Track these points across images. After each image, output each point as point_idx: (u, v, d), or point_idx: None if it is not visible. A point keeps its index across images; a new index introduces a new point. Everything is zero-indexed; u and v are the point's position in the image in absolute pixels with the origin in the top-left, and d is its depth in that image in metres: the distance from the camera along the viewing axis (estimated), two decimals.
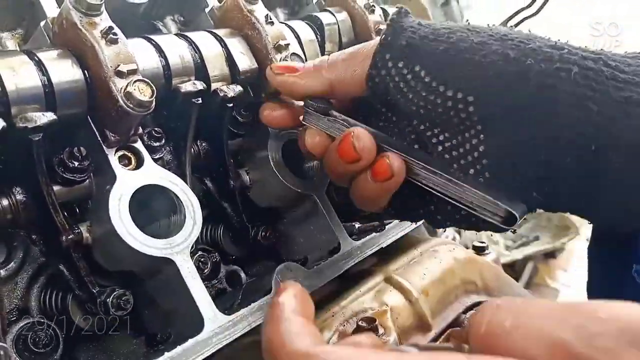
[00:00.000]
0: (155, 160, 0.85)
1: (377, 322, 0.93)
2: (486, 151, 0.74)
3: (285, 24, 1.08)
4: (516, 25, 1.40)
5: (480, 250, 1.33)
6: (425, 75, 0.76)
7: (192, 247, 0.81)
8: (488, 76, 0.72)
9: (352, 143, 0.79)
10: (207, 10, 1.02)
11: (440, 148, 0.79)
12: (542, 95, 0.69)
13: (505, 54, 0.72)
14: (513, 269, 3.09)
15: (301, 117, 0.87)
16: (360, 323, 0.93)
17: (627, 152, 0.67)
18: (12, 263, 0.81)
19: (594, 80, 0.68)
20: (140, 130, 0.83)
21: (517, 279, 2.91)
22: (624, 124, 0.66)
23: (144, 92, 0.76)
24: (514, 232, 0.95)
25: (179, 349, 0.74)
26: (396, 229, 1.09)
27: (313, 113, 0.85)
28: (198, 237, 0.82)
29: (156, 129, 0.88)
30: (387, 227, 1.08)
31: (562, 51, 0.71)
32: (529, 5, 1.39)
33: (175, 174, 0.85)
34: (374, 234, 1.05)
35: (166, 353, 0.73)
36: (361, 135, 0.79)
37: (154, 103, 0.78)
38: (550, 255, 3.20)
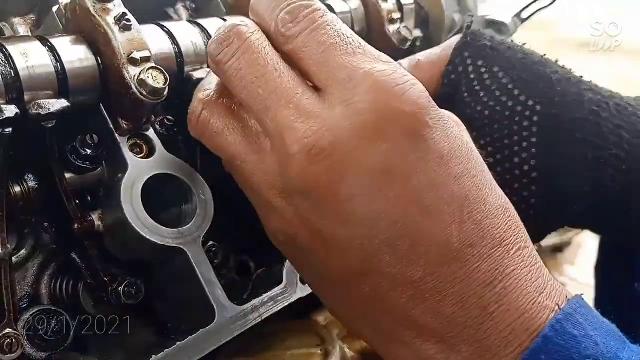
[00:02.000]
0: (167, 149, 0.85)
1: None
2: (537, 165, 0.79)
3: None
4: (530, 16, 1.39)
5: None
6: (503, 77, 0.80)
7: (203, 236, 0.81)
8: (556, 91, 0.79)
9: None
10: None
11: (491, 159, 0.82)
12: (591, 118, 0.78)
13: (565, 76, 0.81)
14: None
15: None
16: None
17: None
18: (23, 250, 0.81)
19: (623, 113, 0.79)
20: (153, 118, 0.83)
21: None
22: None
23: (157, 80, 0.76)
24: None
25: (190, 339, 0.74)
26: None
27: None
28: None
29: (168, 117, 0.87)
30: None
31: (594, 87, 0.83)
32: None
33: (187, 162, 0.85)
34: None
35: (178, 343, 0.73)
36: None
37: (167, 91, 0.77)
38: (557, 249, 3.19)
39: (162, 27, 0.87)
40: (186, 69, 0.86)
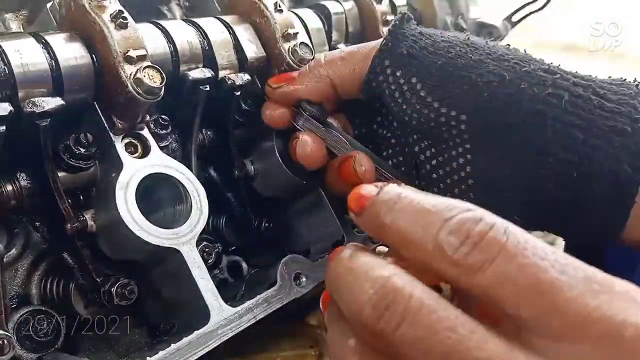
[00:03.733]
0: (162, 148, 0.84)
1: None
2: (473, 172, 0.75)
3: (293, 12, 1.06)
4: (521, 20, 1.40)
5: None
6: (422, 89, 0.76)
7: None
8: (482, 97, 0.72)
9: (354, 167, 0.82)
10: None
11: (428, 165, 0.81)
12: (531, 121, 0.70)
13: (501, 75, 0.72)
14: None
15: (293, 120, 0.88)
16: None
17: (607, 181, 0.68)
18: (13, 250, 0.79)
19: (583, 108, 0.68)
20: (148, 118, 0.82)
21: None
22: (606, 153, 0.67)
23: (153, 79, 0.75)
24: None
25: (184, 340, 0.73)
26: None
27: (308, 119, 0.86)
28: None
29: (162, 116, 0.86)
30: None
31: (555, 76, 0.71)
32: (534, 0, 1.38)
33: (181, 162, 0.84)
34: None
35: (172, 345, 0.72)
36: (363, 161, 0.82)
37: (163, 90, 0.76)
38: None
39: (157, 25, 0.86)
40: (181, 68, 0.86)
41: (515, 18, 1.40)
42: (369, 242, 1.01)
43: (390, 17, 1.16)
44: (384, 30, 1.14)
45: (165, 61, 0.83)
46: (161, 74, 0.75)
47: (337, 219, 0.98)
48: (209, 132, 0.96)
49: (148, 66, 0.75)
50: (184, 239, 0.78)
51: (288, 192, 1.01)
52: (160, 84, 0.75)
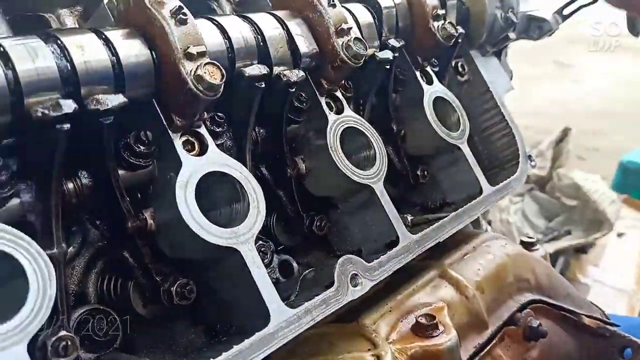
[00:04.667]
0: (217, 146, 0.82)
1: (437, 319, 0.90)
2: None
3: (344, 7, 1.04)
4: (572, 13, 1.36)
5: (529, 246, 1.30)
6: None
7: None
8: None
9: None
10: None
11: None
12: None
13: None
14: None
15: None
16: (419, 319, 0.90)
17: None
18: (70, 248, 0.79)
19: None
20: (205, 115, 0.80)
21: None
22: None
23: (214, 76, 0.73)
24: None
25: (246, 342, 0.71)
26: (452, 223, 1.06)
27: None
28: None
29: (218, 114, 0.85)
30: (441, 221, 1.05)
31: None
32: None
33: (235, 160, 0.82)
34: (429, 227, 1.02)
35: (235, 346, 0.70)
36: None
37: (222, 87, 0.75)
38: (581, 250, 3.14)
39: (212, 20, 0.84)
40: (237, 64, 0.84)
41: (566, 12, 1.36)
42: (423, 244, 0.99)
43: (441, 12, 1.13)
44: (435, 25, 1.12)
45: (222, 57, 0.82)
46: (221, 70, 0.74)
47: (391, 219, 0.96)
48: (261, 130, 0.94)
49: (208, 63, 0.73)
50: (243, 238, 0.76)
51: (339, 191, 0.99)
52: (221, 80, 0.73)
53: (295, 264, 1.01)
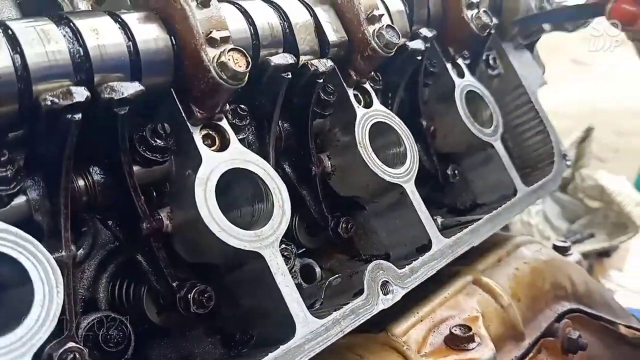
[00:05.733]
0: (239, 141, 0.76)
1: (472, 331, 0.83)
2: None
3: None
4: None
5: (563, 250, 1.22)
6: None
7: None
8: None
9: None
10: None
11: None
12: None
13: None
14: None
15: None
16: (454, 330, 0.84)
17: None
18: (80, 250, 0.73)
19: None
20: (227, 107, 0.74)
21: None
22: None
23: (238, 63, 0.67)
24: None
25: (270, 356, 0.65)
26: (486, 226, 0.98)
27: None
28: None
29: (241, 106, 0.78)
30: (475, 224, 0.98)
31: None
32: None
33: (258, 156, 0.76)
34: (463, 230, 0.95)
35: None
36: None
37: (247, 75, 0.68)
38: (604, 254, 3.04)
39: (235, 4, 0.78)
40: (262, 52, 0.78)
41: None
42: (456, 249, 0.92)
43: (475, 0, 1.06)
44: (469, 13, 1.05)
45: (245, 45, 0.75)
46: (247, 57, 0.68)
47: (424, 222, 0.89)
48: (285, 124, 0.87)
49: (232, 49, 0.67)
50: (266, 241, 0.70)
51: (368, 192, 0.92)
52: (246, 68, 0.67)
53: (318, 269, 0.94)
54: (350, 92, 0.90)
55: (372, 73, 0.96)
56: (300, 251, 0.95)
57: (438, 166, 1.10)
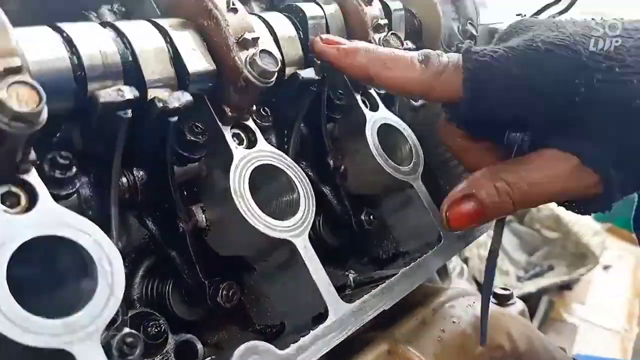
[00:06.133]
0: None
1: None
2: None
3: (258, 16, 0.84)
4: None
5: (503, 300, 1.12)
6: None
7: None
8: None
9: None
10: None
11: None
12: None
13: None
14: (527, 303, 2.81)
15: None
16: None
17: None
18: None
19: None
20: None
21: (532, 314, 2.58)
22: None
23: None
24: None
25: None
26: (401, 284, 0.82)
27: None
28: None
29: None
30: (387, 281, 0.81)
31: None
32: (557, 1, 1.14)
33: None
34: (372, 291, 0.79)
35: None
36: None
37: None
38: (566, 286, 2.93)
39: (57, 29, 0.63)
40: (90, 85, 0.63)
41: None
42: (362, 316, 0.76)
43: (382, 22, 0.95)
44: (376, 37, 0.94)
45: (66, 77, 0.63)
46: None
47: (317, 284, 0.74)
48: (140, 172, 0.74)
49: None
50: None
51: (252, 249, 0.79)
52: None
53: (200, 345, 0.77)
54: (227, 131, 0.76)
55: (256, 107, 0.84)
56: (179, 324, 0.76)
57: (351, 211, 0.96)
